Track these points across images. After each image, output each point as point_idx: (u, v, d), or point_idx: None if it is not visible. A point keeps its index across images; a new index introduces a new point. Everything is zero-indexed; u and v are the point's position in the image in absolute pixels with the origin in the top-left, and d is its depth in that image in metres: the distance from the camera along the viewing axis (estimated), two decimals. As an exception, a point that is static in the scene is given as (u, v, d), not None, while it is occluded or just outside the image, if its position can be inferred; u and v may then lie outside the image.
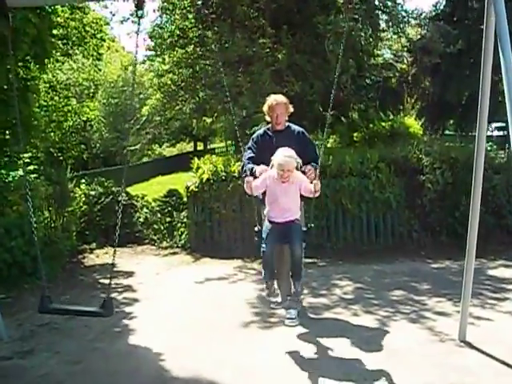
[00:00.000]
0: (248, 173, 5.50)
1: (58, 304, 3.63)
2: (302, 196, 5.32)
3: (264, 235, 5.26)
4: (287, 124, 5.96)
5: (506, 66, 3.66)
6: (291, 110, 5.91)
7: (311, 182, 5.19)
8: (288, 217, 5.23)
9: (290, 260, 5.29)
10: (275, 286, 5.49)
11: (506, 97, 3.61)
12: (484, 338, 5.08)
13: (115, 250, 3.79)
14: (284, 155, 5.03)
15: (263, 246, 5.21)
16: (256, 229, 5.45)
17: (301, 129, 5.99)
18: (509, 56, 3.68)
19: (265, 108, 5.93)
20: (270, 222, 5.30)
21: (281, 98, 5.88)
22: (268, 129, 5.97)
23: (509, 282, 7.12)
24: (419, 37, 15.25)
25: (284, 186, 5.13)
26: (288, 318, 5.74)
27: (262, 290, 7.04)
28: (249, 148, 5.95)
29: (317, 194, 5.14)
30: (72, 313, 3.77)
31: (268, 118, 5.97)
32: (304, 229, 5.35)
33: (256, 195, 5.45)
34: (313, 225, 5.49)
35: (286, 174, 5.02)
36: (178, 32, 14.41)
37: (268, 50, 13.15)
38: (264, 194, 5.40)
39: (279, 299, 6.04)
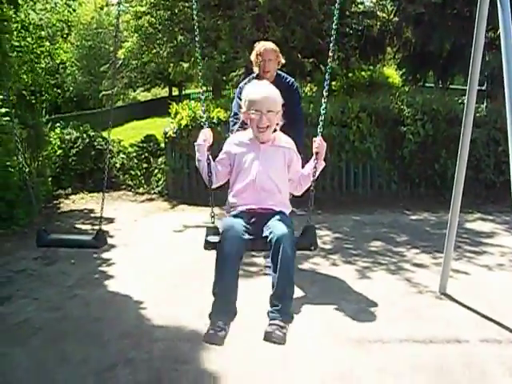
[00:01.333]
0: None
1: (55, 234, 3.61)
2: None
3: (223, 225, 3.09)
4: (277, 73, 5.57)
5: (503, 16, 3.54)
6: (282, 60, 5.53)
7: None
8: (270, 205, 3.19)
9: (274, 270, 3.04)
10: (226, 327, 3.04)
11: (502, 47, 3.50)
12: (463, 291, 5.13)
13: (104, 194, 3.70)
14: (264, 87, 3.32)
15: (220, 239, 3.06)
16: (210, 224, 3.16)
17: (292, 78, 5.67)
18: (507, 8, 3.57)
19: (252, 56, 5.53)
20: (235, 214, 3.21)
21: (270, 45, 5.52)
22: (256, 78, 5.43)
23: (486, 236, 7.20)
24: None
25: (263, 150, 3.24)
26: (267, 267, 5.72)
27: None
28: (235, 105, 5.45)
29: (319, 168, 3.20)
30: (69, 242, 3.76)
31: (256, 69, 5.55)
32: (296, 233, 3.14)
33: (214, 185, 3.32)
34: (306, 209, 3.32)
35: (266, 119, 3.15)
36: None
37: (249, -6, 12.84)
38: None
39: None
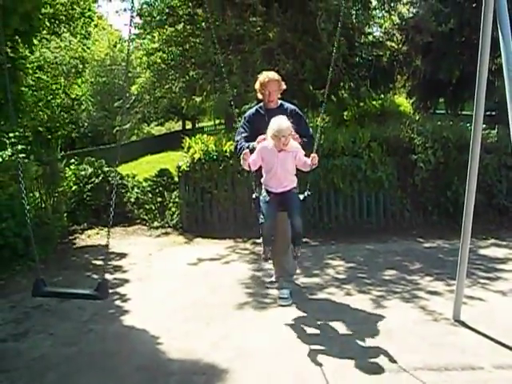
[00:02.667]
0: (246, 150, 5.34)
1: (52, 287, 3.56)
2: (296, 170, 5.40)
3: (262, 206, 5.30)
4: (280, 102, 5.86)
5: (504, 42, 3.60)
6: (284, 86, 5.82)
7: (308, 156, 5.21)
8: (286, 186, 5.31)
9: (289, 229, 5.42)
10: (270, 255, 5.53)
11: (504, 73, 3.57)
12: (478, 318, 5.12)
13: (109, 231, 3.74)
14: (279, 122, 5.06)
15: (261, 217, 5.25)
16: (254, 196, 5.47)
17: (294, 106, 5.91)
18: (507, 33, 3.63)
19: (256, 85, 5.83)
20: (268, 192, 5.35)
21: (273, 75, 5.77)
22: (260, 107, 5.88)
23: (500, 262, 7.16)
24: (411, 15, 15.16)
25: (280, 156, 5.17)
26: (281, 298, 5.76)
27: (256, 269, 7.11)
28: (241, 127, 5.90)
29: (313, 166, 5.17)
30: (66, 296, 3.71)
31: (260, 96, 5.87)
32: (301, 196, 5.39)
33: (253, 170, 5.39)
34: (310, 192, 5.48)
35: (283, 140, 5.04)
36: (167, 10, 14.21)
37: (259, 29, 13.02)
38: (259, 168, 5.43)
39: (273, 278, 6.08)
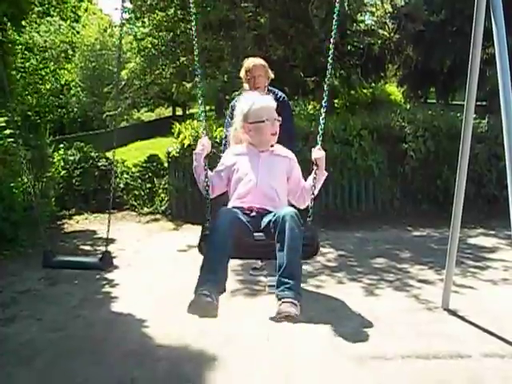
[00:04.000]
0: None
1: (60, 256, 3.63)
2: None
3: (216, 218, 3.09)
4: (269, 88, 5.62)
5: (498, 31, 3.58)
6: (271, 75, 5.60)
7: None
8: (269, 207, 3.25)
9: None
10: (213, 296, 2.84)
11: (497, 65, 3.55)
12: (467, 307, 5.14)
13: (110, 212, 3.73)
14: (262, 98, 3.54)
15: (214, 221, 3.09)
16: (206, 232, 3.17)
17: (283, 94, 5.71)
18: (501, 23, 3.61)
19: (242, 73, 5.58)
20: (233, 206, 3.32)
21: (259, 60, 5.55)
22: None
23: (489, 251, 7.20)
24: (403, 3, 15.13)
25: (263, 158, 3.38)
26: (270, 286, 5.73)
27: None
28: (228, 116, 5.58)
29: (317, 188, 3.31)
30: (74, 264, 3.79)
31: (246, 85, 5.62)
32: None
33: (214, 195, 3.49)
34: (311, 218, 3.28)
35: (276, 125, 3.40)
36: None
37: (250, 14, 12.97)
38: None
39: (257, 265, 6.01)
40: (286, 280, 2.87)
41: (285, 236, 2.88)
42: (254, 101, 3.42)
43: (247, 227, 3.06)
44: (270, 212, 3.12)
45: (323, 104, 3.41)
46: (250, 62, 5.54)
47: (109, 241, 3.68)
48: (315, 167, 3.26)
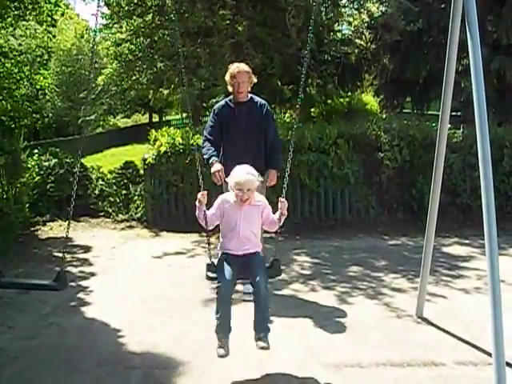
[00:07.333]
0: (206, 161, 5.33)
1: (9, 278, 3.47)
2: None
3: (219, 265, 4.24)
4: (250, 95, 5.80)
5: (472, 42, 3.62)
6: (254, 80, 5.75)
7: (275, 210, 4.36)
8: (249, 249, 4.31)
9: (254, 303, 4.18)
10: (227, 341, 4.12)
11: (471, 74, 3.60)
12: (440, 315, 5.19)
13: (69, 223, 3.67)
14: (244, 172, 4.23)
15: (218, 282, 4.13)
16: (209, 262, 4.36)
17: (264, 102, 5.84)
18: (475, 33, 3.65)
19: (226, 77, 5.72)
20: (226, 254, 4.35)
21: (243, 66, 5.70)
22: (230, 100, 5.80)
23: (463, 260, 7.27)
24: (380, 13, 15.28)
25: (244, 211, 4.27)
26: (245, 293, 5.71)
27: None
28: (210, 121, 5.84)
29: (282, 220, 4.31)
30: (24, 286, 3.65)
31: (230, 89, 5.77)
32: (267, 264, 4.33)
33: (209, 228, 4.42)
34: (277, 257, 4.40)
35: (246, 194, 4.18)
36: (135, 0, 14.03)
37: (228, 22, 12.96)
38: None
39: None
40: (261, 323, 4.16)
41: (259, 296, 4.12)
42: (238, 174, 4.24)
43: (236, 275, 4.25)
44: (249, 258, 4.30)
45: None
46: (234, 68, 5.66)
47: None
48: (280, 211, 4.27)
